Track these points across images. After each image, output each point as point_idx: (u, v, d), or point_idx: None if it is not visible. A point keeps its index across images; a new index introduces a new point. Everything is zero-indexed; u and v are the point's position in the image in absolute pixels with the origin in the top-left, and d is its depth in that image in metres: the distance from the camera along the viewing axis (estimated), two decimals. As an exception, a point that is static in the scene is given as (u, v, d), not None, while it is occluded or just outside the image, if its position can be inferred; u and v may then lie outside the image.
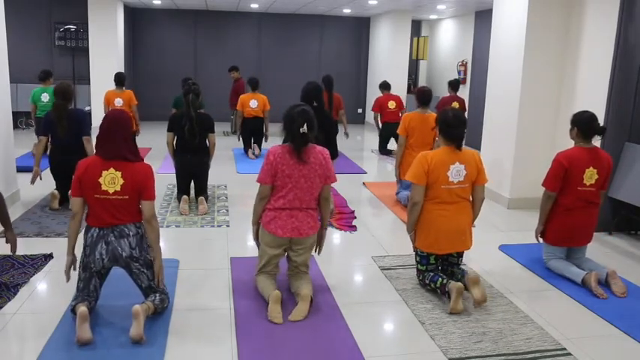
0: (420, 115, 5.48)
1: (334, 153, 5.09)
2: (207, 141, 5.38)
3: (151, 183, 2.95)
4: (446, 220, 3.39)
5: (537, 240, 4.01)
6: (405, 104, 8.52)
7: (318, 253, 3.53)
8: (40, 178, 5.11)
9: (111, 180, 2.86)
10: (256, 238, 3.42)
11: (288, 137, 3.22)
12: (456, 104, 8.23)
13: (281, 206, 3.21)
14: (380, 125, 8.69)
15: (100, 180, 2.85)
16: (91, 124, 5.24)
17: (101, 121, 2.97)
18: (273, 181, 3.20)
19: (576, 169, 3.74)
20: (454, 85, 8.53)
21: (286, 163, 3.17)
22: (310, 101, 4.90)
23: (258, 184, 3.25)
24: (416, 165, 3.40)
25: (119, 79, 7.59)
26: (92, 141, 4.89)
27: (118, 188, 2.86)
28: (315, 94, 4.94)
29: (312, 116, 3.20)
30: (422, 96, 5.61)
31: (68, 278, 2.98)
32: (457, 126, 3.39)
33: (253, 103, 7.96)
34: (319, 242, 3.46)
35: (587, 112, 3.83)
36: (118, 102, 7.44)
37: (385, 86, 8.84)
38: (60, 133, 4.96)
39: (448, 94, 8.53)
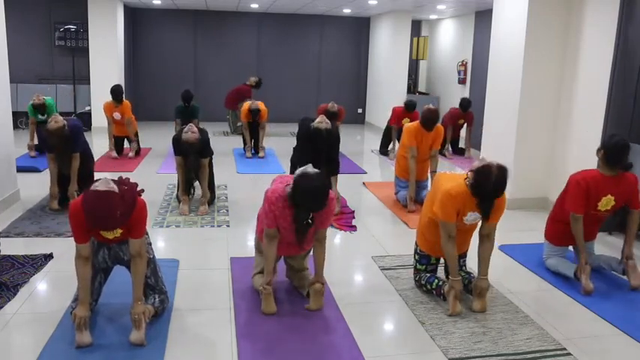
0: (425, 133, 5.37)
1: (336, 170, 5.08)
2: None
3: (142, 223, 2.82)
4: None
5: (580, 278, 3.59)
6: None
7: (315, 308, 3.25)
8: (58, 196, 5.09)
9: (109, 233, 2.79)
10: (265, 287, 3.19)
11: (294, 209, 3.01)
12: (461, 121, 8.61)
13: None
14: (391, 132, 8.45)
15: (100, 232, 2.79)
16: (85, 136, 5.13)
17: (84, 206, 2.61)
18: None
19: (593, 195, 3.59)
20: (464, 105, 8.50)
21: (284, 222, 3.07)
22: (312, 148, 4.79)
23: (264, 229, 3.13)
24: (445, 206, 3.18)
25: (115, 95, 7.34)
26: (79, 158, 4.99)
27: (118, 235, 2.80)
28: (317, 145, 4.85)
29: (324, 199, 2.97)
30: (429, 121, 5.30)
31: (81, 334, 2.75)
32: (491, 196, 3.06)
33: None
34: (317, 297, 3.21)
35: (620, 139, 3.54)
36: (117, 116, 7.42)
37: (408, 107, 8.13)
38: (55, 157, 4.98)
39: (457, 107, 8.66)
